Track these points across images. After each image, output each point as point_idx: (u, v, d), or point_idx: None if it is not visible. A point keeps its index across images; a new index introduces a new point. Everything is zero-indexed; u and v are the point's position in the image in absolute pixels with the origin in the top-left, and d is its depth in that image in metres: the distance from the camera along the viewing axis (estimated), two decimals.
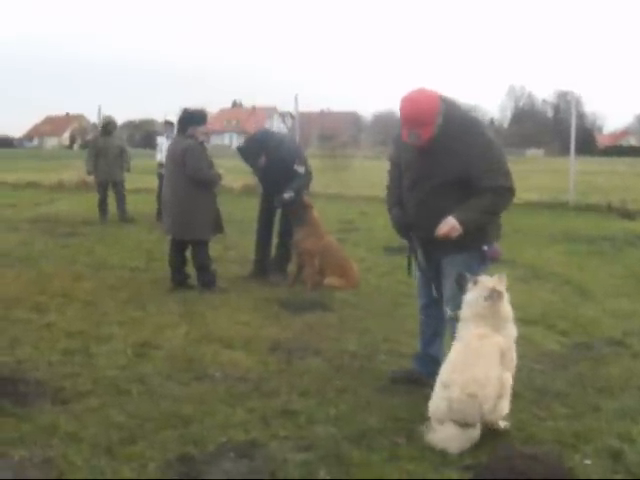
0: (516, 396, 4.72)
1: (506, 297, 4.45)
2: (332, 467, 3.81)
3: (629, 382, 5.26)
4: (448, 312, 4.78)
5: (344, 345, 6.08)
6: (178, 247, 8.12)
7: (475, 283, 4.42)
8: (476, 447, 4.04)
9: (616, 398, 4.93)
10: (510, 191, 4.72)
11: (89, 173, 14.95)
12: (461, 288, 4.54)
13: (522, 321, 6.81)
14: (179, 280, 8.08)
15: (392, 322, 6.84)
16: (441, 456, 3.94)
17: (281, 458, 3.89)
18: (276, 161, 8.47)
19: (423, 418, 4.34)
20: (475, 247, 4.78)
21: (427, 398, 4.38)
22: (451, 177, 4.71)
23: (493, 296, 4.34)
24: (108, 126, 14.93)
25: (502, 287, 4.43)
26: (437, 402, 4.22)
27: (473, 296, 4.41)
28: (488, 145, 4.73)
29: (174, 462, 3.83)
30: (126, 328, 6.42)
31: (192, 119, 8.01)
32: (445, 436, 4.06)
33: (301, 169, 8.53)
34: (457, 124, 4.72)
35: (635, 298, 8.09)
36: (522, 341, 6.17)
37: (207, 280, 7.97)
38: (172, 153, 8.00)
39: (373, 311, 7.30)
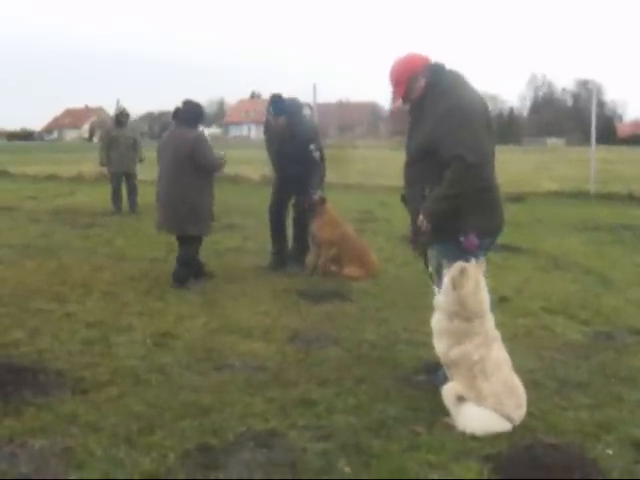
0: (538, 386, 4.71)
1: (480, 285, 4.27)
2: (351, 457, 3.78)
3: None
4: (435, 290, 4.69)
5: (363, 335, 6.06)
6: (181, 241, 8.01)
7: (459, 271, 4.26)
8: (496, 436, 4.00)
9: (638, 388, 4.87)
10: (466, 165, 4.37)
11: (102, 164, 15.02)
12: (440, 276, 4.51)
13: (544, 310, 6.88)
14: (200, 272, 8.03)
15: (411, 312, 6.79)
16: (461, 445, 3.90)
17: (300, 447, 3.88)
18: (294, 134, 8.36)
19: (443, 408, 4.30)
20: (450, 237, 4.55)
21: None
22: (420, 145, 4.62)
23: (454, 283, 4.24)
24: (120, 117, 14.98)
25: (474, 274, 4.25)
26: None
27: (444, 285, 4.35)
28: (451, 110, 4.46)
29: (193, 452, 3.82)
30: (145, 318, 6.43)
31: (202, 115, 8.04)
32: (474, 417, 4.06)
33: (317, 154, 8.41)
34: (438, 92, 4.58)
35: None
36: (544, 331, 6.22)
37: (182, 276, 7.80)
38: (176, 146, 7.71)
39: (392, 301, 7.27)
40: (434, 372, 4.91)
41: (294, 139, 8.35)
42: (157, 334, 5.95)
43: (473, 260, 4.33)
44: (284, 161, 8.62)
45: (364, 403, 4.54)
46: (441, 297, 4.37)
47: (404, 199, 4.98)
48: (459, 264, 4.27)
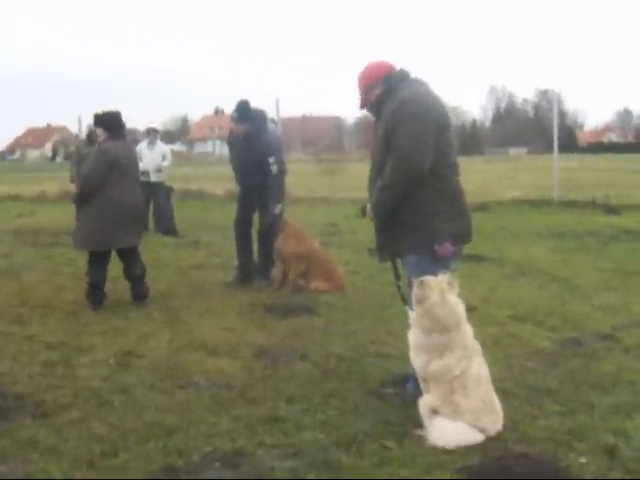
0: (507, 394, 4.66)
1: (451, 298, 4.19)
2: (321, 473, 3.69)
3: (621, 377, 5.17)
4: (410, 312, 4.56)
5: (330, 348, 5.98)
6: (108, 262, 7.67)
7: (420, 284, 4.22)
8: (468, 448, 3.94)
9: (609, 394, 4.84)
10: (403, 160, 4.40)
11: (72, 181, 14.83)
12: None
13: (511, 318, 6.86)
14: (103, 298, 7.58)
15: (379, 324, 6.74)
16: (433, 459, 3.83)
17: (268, 466, 3.78)
18: (255, 144, 8.28)
19: (413, 421, 4.25)
20: (424, 247, 4.52)
21: (416, 400, 4.31)
22: (379, 149, 4.64)
23: (419, 299, 4.19)
24: (92, 135, 14.82)
25: (436, 286, 4.18)
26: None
27: (413, 299, 4.29)
28: (400, 106, 4.48)
29: (158, 474, 3.71)
30: (108, 338, 6.30)
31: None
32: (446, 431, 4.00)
33: (274, 167, 8.31)
34: (393, 97, 4.60)
35: (623, 292, 8.02)
36: (512, 339, 6.20)
37: (146, 290, 7.71)
38: (130, 157, 7.64)
39: (359, 313, 7.21)
40: (403, 384, 4.85)
41: (255, 149, 8.27)
42: (120, 353, 5.82)
43: (440, 273, 4.27)
44: (245, 170, 8.55)
45: (333, 418, 4.45)
46: (413, 314, 4.31)
47: (363, 211, 4.93)
48: (419, 279, 4.22)
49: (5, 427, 4.31)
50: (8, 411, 4.57)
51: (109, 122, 7.57)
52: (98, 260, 7.50)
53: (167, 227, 13.89)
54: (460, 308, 4.23)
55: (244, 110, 8.29)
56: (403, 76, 4.71)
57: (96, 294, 7.49)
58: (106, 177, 7.30)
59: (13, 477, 3.70)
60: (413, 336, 4.31)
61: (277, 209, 8.36)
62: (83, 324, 6.78)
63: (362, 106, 4.86)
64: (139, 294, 7.67)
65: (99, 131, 7.63)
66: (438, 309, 4.14)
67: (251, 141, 8.30)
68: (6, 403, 4.68)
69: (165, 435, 4.19)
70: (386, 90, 4.65)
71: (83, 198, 7.51)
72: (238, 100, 8.35)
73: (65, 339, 6.25)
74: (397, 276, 4.87)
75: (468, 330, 4.28)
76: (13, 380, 5.20)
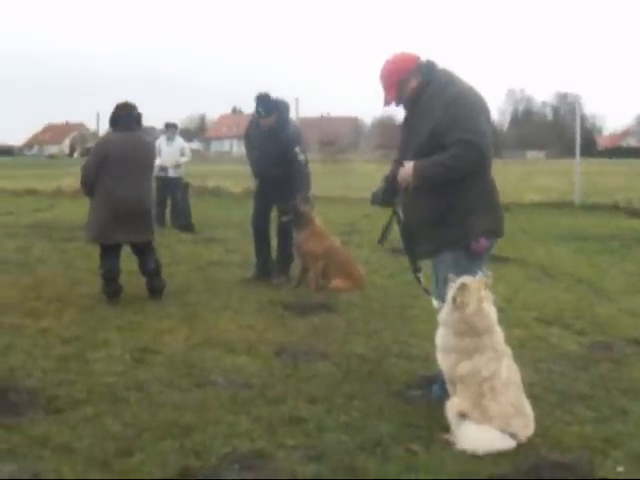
0: (537, 399, 4.46)
1: (487, 302, 4.04)
2: (346, 479, 3.53)
3: None
4: (434, 302, 4.51)
5: (352, 348, 5.82)
6: (119, 254, 7.51)
7: (461, 288, 4.01)
8: (499, 455, 3.76)
9: None
10: (474, 146, 4.25)
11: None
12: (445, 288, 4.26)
13: (538, 321, 6.68)
14: (118, 290, 7.45)
15: (400, 324, 6.58)
16: (462, 466, 3.65)
17: (290, 470, 3.61)
18: (280, 135, 8.14)
19: (439, 425, 4.08)
20: (460, 243, 4.39)
21: (442, 403, 4.14)
22: (424, 142, 4.39)
23: (458, 305, 4.00)
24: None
25: (476, 290, 4.01)
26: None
27: (447, 301, 4.10)
28: (456, 99, 4.33)
29: (174, 475, 3.55)
30: (124, 333, 6.15)
31: (141, 115, 7.59)
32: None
33: (302, 156, 8.19)
34: (432, 90, 4.42)
35: None
36: (539, 342, 6.02)
37: (162, 285, 7.60)
38: (135, 150, 7.31)
39: (380, 313, 7.04)
40: (428, 387, 4.69)
41: (279, 139, 8.12)
42: (136, 349, 5.67)
43: (479, 273, 4.10)
44: (266, 162, 8.35)
45: (356, 420, 4.28)
46: (445, 315, 4.11)
47: (380, 199, 4.75)
48: (461, 280, 4.03)
49: (17, 422, 4.17)
50: (20, 406, 4.43)
51: (112, 115, 7.43)
52: (108, 253, 7.39)
53: (184, 223, 13.80)
54: (494, 313, 4.06)
55: (268, 102, 8.14)
56: (433, 67, 4.53)
57: (110, 286, 7.37)
58: (102, 170, 7.18)
59: (22, 477, 3.55)
60: (443, 337, 4.12)
61: (307, 199, 8.22)
62: (98, 319, 6.64)
63: (396, 102, 4.59)
64: (155, 289, 7.53)
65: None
66: (476, 318, 3.97)
67: (276, 132, 8.15)
68: (19, 398, 4.53)
69: (182, 434, 4.03)
70: (422, 81, 4.46)
71: (85, 192, 7.47)
72: (258, 94, 8.18)
73: (80, 333, 6.10)
74: (417, 269, 4.70)
75: (498, 333, 4.10)
76: (26, 374, 5.05)
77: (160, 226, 13.17)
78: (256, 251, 8.76)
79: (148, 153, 7.62)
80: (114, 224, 7.22)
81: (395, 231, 4.83)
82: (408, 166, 4.40)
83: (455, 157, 4.26)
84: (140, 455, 3.78)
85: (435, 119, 4.30)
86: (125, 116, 7.39)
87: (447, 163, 4.28)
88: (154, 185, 13.48)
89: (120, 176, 7.18)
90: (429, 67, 4.52)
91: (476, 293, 3.98)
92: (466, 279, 4.03)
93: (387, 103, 4.62)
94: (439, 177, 4.34)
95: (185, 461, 3.70)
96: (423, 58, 4.58)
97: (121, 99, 7.52)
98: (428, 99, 4.40)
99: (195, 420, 4.24)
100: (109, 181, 7.20)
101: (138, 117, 7.49)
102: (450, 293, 4.04)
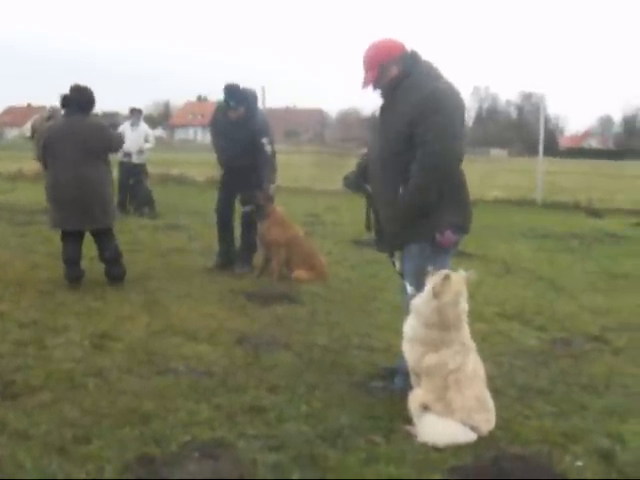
0: (498, 393, 4.48)
1: (461, 296, 4.04)
2: (305, 469, 3.50)
3: (612, 379, 5.04)
4: (408, 288, 4.43)
5: (314, 339, 5.79)
6: (80, 239, 7.39)
7: (444, 278, 3.99)
8: (460, 447, 3.76)
9: (601, 396, 4.70)
10: (442, 155, 4.15)
11: (38, 159, 14.54)
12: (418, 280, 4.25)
13: (499, 316, 6.72)
14: (79, 275, 7.38)
15: (363, 316, 6.57)
16: (423, 457, 3.65)
17: (250, 459, 3.58)
18: (247, 124, 8.07)
19: (401, 416, 4.08)
20: (426, 235, 4.34)
21: (404, 394, 4.14)
22: (396, 134, 4.32)
23: (437, 292, 3.98)
24: (55, 113, 14.57)
25: (457, 284, 4.00)
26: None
27: (424, 291, 4.08)
28: (432, 94, 4.22)
29: (133, 463, 3.50)
30: (84, 319, 6.06)
31: (94, 99, 7.38)
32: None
33: (268, 147, 8.12)
34: (411, 81, 4.34)
35: (609, 294, 7.91)
36: (500, 337, 6.06)
37: (121, 272, 7.48)
38: (82, 134, 7.08)
39: (343, 304, 7.03)
40: (390, 378, 4.68)
41: (247, 129, 8.05)
42: (96, 335, 5.59)
43: (461, 271, 4.09)
44: (233, 151, 8.27)
45: (317, 410, 4.26)
46: (420, 304, 4.09)
47: (354, 184, 4.72)
48: (444, 271, 4.02)
49: None
50: None
51: (63, 98, 7.27)
52: (66, 237, 7.31)
53: (143, 207, 13.70)
54: (465, 309, 4.06)
55: (237, 93, 8.06)
56: (416, 58, 4.44)
57: (71, 271, 7.27)
58: (46, 153, 7.17)
59: None
60: (411, 328, 4.11)
61: (271, 189, 8.16)
62: (58, 304, 6.53)
63: (374, 86, 4.49)
64: (114, 276, 7.42)
65: None
66: (450, 309, 3.97)
67: (244, 121, 8.08)
68: None
69: (141, 422, 3.98)
70: (403, 71, 4.39)
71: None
72: (226, 85, 8.09)
73: (38, 318, 6.00)
74: (391, 253, 4.68)
75: (466, 328, 4.11)
76: None
77: (122, 212, 13.03)
78: (219, 239, 8.69)
79: (98, 136, 7.25)
80: (58, 211, 7.17)
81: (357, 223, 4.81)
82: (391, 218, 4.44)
83: (423, 172, 4.20)
84: (98, 442, 3.72)
85: (412, 111, 4.22)
86: (75, 99, 7.23)
87: (420, 185, 4.23)
88: (117, 171, 13.40)
89: (56, 162, 7.11)
90: (413, 58, 4.43)
91: (456, 287, 3.97)
92: (450, 273, 4.02)
93: (365, 85, 4.51)
94: (424, 201, 4.29)
95: (145, 449, 3.65)
96: (409, 48, 4.50)
97: (85, 82, 7.36)
98: (407, 90, 4.32)
99: (155, 408, 4.18)
100: (50, 168, 7.18)
101: (90, 100, 7.33)
102: (430, 283, 4.03)
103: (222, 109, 8.30)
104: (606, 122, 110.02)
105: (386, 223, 4.53)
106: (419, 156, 4.19)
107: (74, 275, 7.27)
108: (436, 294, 3.96)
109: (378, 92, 4.53)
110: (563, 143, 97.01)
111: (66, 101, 7.25)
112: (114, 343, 5.45)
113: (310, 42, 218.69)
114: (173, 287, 7.37)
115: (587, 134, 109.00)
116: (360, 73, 4.50)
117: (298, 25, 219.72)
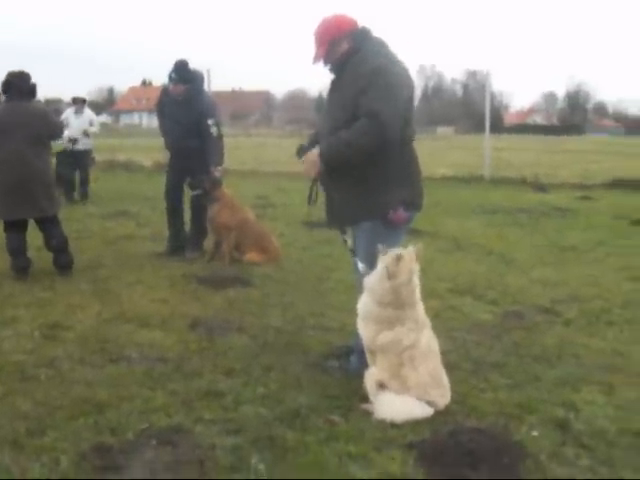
0: (453, 367, 4.52)
1: (415, 279, 4.03)
2: (265, 451, 3.49)
3: (564, 350, 5.12)
4: (360, 266, 4.38)
5: (268, 321, 5.78)
6: (24, 228, 7.25)
7: (397, 259, 3.97)
8: (417, 423, 3.79)
9: (554, 366, 4.78)
10: (379, 121, 4.07)
11: None
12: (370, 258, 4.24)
13: (451, 291, 6.78)
14: (26, 265, 7.23)
15: (316, 296, 6.57)
16: (382, 434, 3.67)
17: (208, 443, 3.55)
18: (193, 105, 7.98)
19: (358, 395, 4.09)
20: (378, 213, 4.33)
21: (360, 373, 4.15)
22: (344, 107, 4.29)
23: (391, 273, 3.97)
24: None
25: (409, 262, 3.98)
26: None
27: (377, 270, 4.07)
28: (373, 71, 4.18)
29: (89, 453, 3.44)
30: (33, 309, 5.95)
31: (36, 86, 7.20)
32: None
33: (214, 129, 8.03)
34: (360, 57, 4.32)
35: (558, 267, 8.03)
36: (453, 312, 6.11)
37: (69, 260, 7.33)
38: (24, 121, 6.92)
39: (296, 286, 7.01)
40: (346, 357, 4.68)
41: (193, 110, 7.95)
42: (46, 326, 5.49)
43: (410, 247, 4.07)
44: (179, 133, 8.17)
45: (274, 392, 4.25)
46: (374, 283, 4.07)
47: (300, 152, 4.68)
48: (395, 251, 4.01)
49: None
50: None
51: (3, 83, 7.09)
52: (9, 227, 7.15)
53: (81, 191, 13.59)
54: (418, 286, 4.06)
55: (184, 70, 7.95)
56: (366, 34, 4.43)
57: (18, 261, 7.13)
58: None
59: None
60: (365, 306, 4.11)
61: (218, 172, 8.08)
62: (5, 295, 6.41)
63: (325, 61, 4.47)
64: (62, 265, 7.29)
65: None
66: (404, 289, 3.96)
67: (190, 102, 7.97)
68: None
69: (96, 412, 3.92)
70: (353, 47, 4.37)
71: None
72: (176, 60, 7.99)
73: None
74: (343, 231, 4.66)
75: (420, 305, 4.12)
76: None
77: (68, 200, 12.81)
78: (168, 225, 8.60)
79: (42, 122, 7.09)
80: (6, 198, 6.96)
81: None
82: (312, 153, 4.35)
83: (357, 133, 4.15)
84: (53, 434, 3.66)
85: (358, 86, 4.20)
86: (15, 84, 7.05)
87: (350, 140, 4.17)
88: (62, 159, 13.16)
89: (6, 146, 6.90)
90: (363, 34, 4.42)
91: (409, 265, 3.97)
92: (402, 252, 4.00)
93: (316, 60, 4.49)
94: (346, 158, 4.25)
95: (100, 438, 3.60)
96: (360, 24, 4.49)
97: (23, 67, 7.18)
98: (356, 66, 4.30)
99: (109, 396, 4.13)
100: None
101: (31, 87, 7.15)
102: (382, 263, 4.02)
103: (166, 89, 8.19)
104: (550, 98, 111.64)
105: (337, 199, 4.51)
106: (361, 121, 4.14)
107: (21, 265, 7.12)
108: (390, 275, 3.95)
109: (328, 67, 4.51)
110: (508, 119, 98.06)
111: (6, 86, 7.06)
112: (65, 333, 5.36)
113: (256, 24, 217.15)
114: (123, 274, 7.28)
115: (532, 110, 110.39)
116: (311, 49, 4.48)
117: (243, 7, 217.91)
